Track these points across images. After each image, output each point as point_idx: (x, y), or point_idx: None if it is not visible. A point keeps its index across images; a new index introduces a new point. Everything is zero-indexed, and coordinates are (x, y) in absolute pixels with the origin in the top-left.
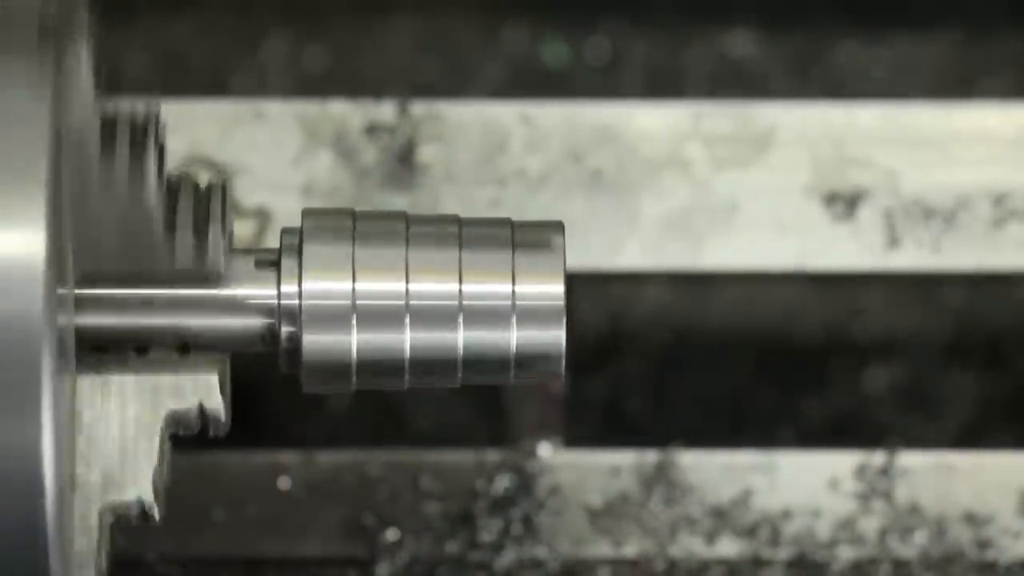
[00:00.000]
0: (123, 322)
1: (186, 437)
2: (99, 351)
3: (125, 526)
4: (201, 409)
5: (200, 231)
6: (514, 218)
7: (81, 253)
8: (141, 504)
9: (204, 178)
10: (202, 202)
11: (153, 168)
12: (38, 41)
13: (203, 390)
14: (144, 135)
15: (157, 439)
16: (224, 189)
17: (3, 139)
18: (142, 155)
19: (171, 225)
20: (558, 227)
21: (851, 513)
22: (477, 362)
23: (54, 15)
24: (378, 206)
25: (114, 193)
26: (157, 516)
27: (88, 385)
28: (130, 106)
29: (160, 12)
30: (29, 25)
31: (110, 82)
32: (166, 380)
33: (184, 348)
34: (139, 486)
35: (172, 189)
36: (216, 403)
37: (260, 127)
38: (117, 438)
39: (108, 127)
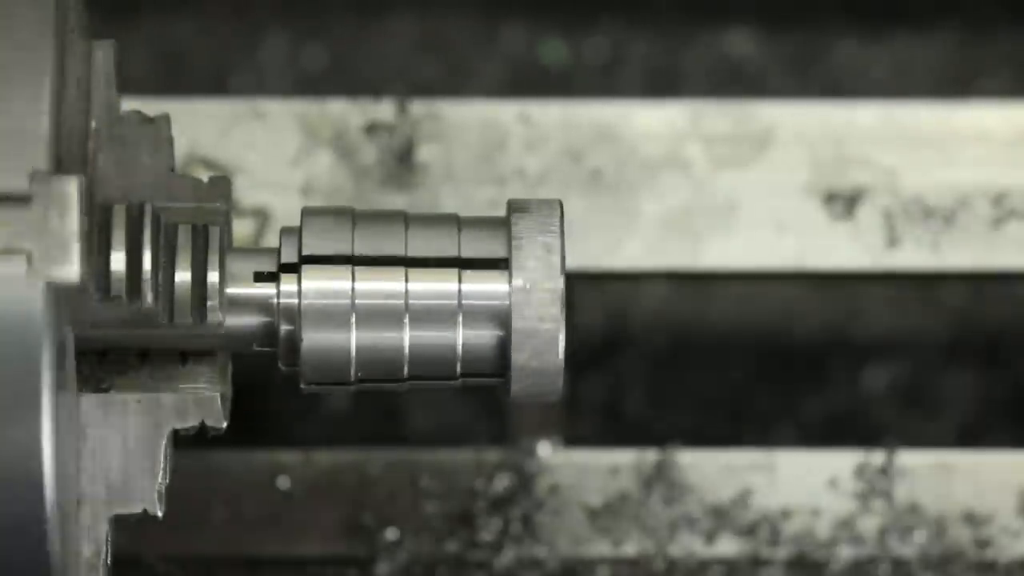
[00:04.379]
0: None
1: (186, 437)
2: (99, 353)
3: (124, 525)
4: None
5: (198, 295)
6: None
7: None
8: (145, 515)
9: (205, 176)
10: (200, 259)
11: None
12: (37, 41)
13: (205, 408)
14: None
15: (160, 455)
16: (222, 245)
17: (2, 142)
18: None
19: (169, 286)
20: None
21: (851, 512)
22: (476, 361)
23: (54, 15)
24: (377, 205)
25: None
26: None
27: (92, 403)
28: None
29: (161, 12)
30: (29, 25)
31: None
32: (169, 399)
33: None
34: (144, 499)
35: (170, 244)
36: (218, 421)
37: (260, 126)
38: (121, 454)
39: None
